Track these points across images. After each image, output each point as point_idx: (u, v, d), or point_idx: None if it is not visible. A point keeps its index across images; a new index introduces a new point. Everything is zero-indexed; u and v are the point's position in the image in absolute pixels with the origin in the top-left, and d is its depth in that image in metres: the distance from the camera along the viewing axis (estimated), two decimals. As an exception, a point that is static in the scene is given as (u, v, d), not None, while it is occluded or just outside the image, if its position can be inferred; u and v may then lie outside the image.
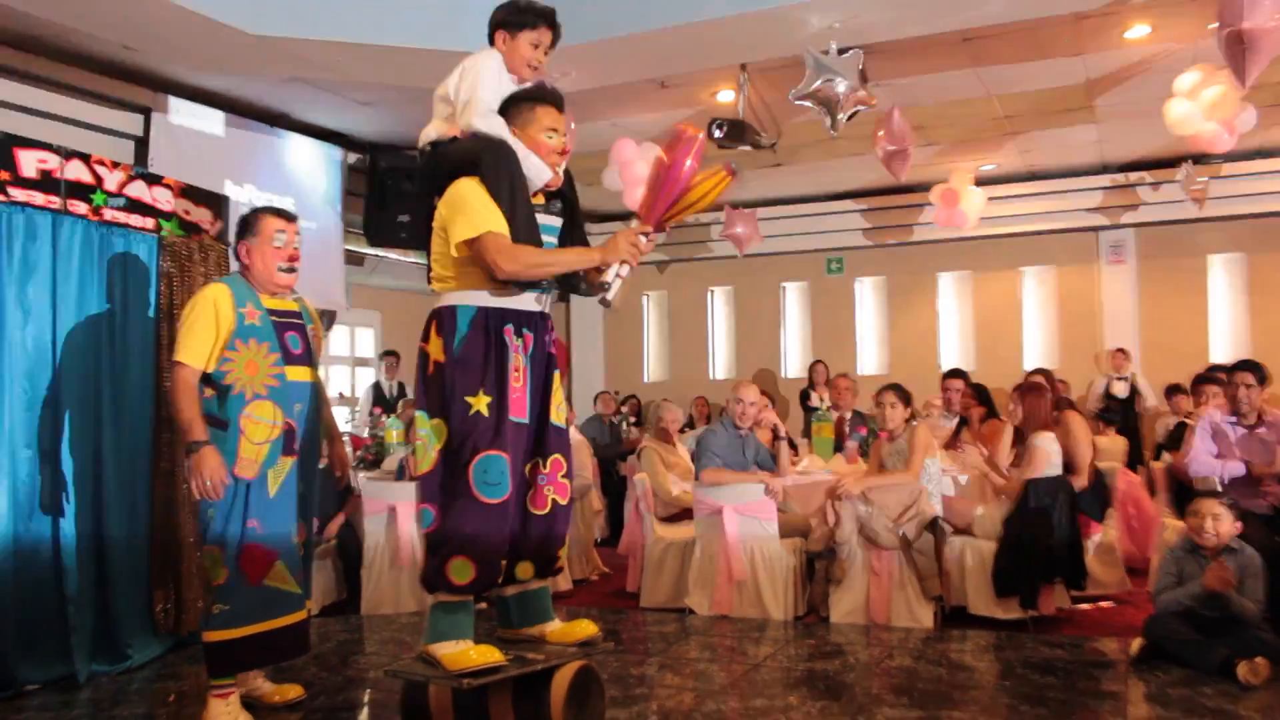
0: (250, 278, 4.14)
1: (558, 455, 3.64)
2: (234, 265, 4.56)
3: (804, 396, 10.90)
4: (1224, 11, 6.07)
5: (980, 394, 7.18)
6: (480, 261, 3.39)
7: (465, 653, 3.34)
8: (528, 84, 3.66)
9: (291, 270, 4.18)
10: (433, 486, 3.43)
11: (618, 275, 3.42)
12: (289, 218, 4.23)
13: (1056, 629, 5.62)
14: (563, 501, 3.66)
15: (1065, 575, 5.72)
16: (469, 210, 3.39)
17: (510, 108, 3.58)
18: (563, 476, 3.65)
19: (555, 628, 3.69)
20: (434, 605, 3.47)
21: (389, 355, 11.27)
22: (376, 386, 11.00)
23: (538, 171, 3.53)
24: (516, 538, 3.55)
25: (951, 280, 13.22)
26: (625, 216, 12.80)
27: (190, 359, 3.91)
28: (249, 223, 4.18)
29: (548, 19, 3.67)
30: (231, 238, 4.71)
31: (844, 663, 5.00)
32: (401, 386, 11.09)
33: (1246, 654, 4.44)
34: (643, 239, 3.41)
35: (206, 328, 3.93)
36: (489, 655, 3.35)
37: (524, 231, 3.41)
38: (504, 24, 3.65)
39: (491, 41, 3.67)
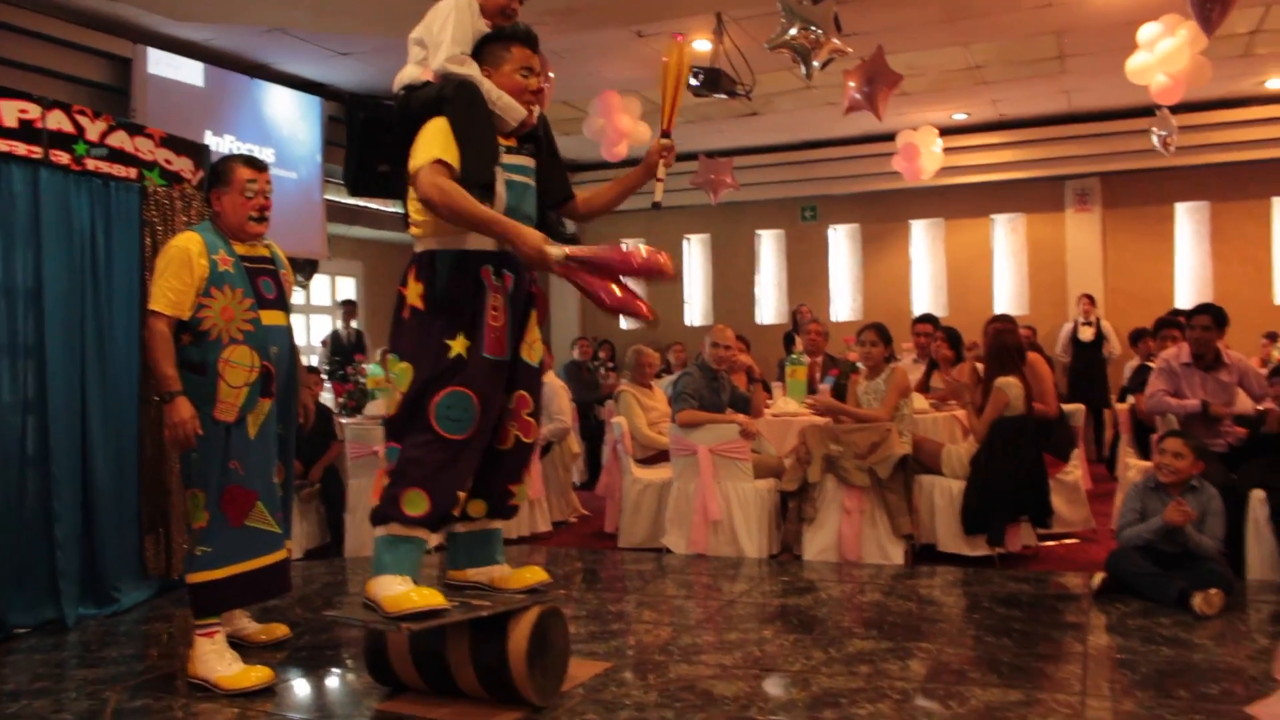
0: (222, 225, 4.17)
1: (524, 392, 3.68)
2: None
3: (788, 340, 11.03)
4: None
5: (951, 338, 7.32)
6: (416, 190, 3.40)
7: (406, 595, 3.28)
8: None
9: (262, 219, 4.20)
10: (398, 425, 3.46)
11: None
12: (259, 166, 4.25)
13: (1023, 565, 5.80)
14: (526, 439, 3.70)
15: (1031, 513, 5.89)
16: (423, 143, 3.42)
17: (483, 49, 3.59)
18: (528, 414, 3.69)
19: (504, 573, 3.71)
20: (381, 536, 3.43)
21: (347, 304, 11.32)
22: (335, 335, 11.04)
23: (510, 110, 3.54)
24: (475, 473, 3.58)
25: (923, 227, 13.37)
26: (602, 166, 12.85)
27: (166, 308, 3.94)
28: (220, 172, 4.20)
29: None
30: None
31: (816, 598, 5.16)
32: (359, 334, 11.16)
33: (1202, 586, 4.61)
34: (547, 265, 3.35)
35: (180, 276, 3.96)
36: (431, 599, 3.29)
37: (477, 168, 3.39)
38: None
39: None
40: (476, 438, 3.47)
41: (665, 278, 3.42)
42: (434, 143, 3.40)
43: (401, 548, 3.41)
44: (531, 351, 3.73)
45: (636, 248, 3.38)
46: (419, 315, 3.49)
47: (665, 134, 3.70)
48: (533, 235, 3.36)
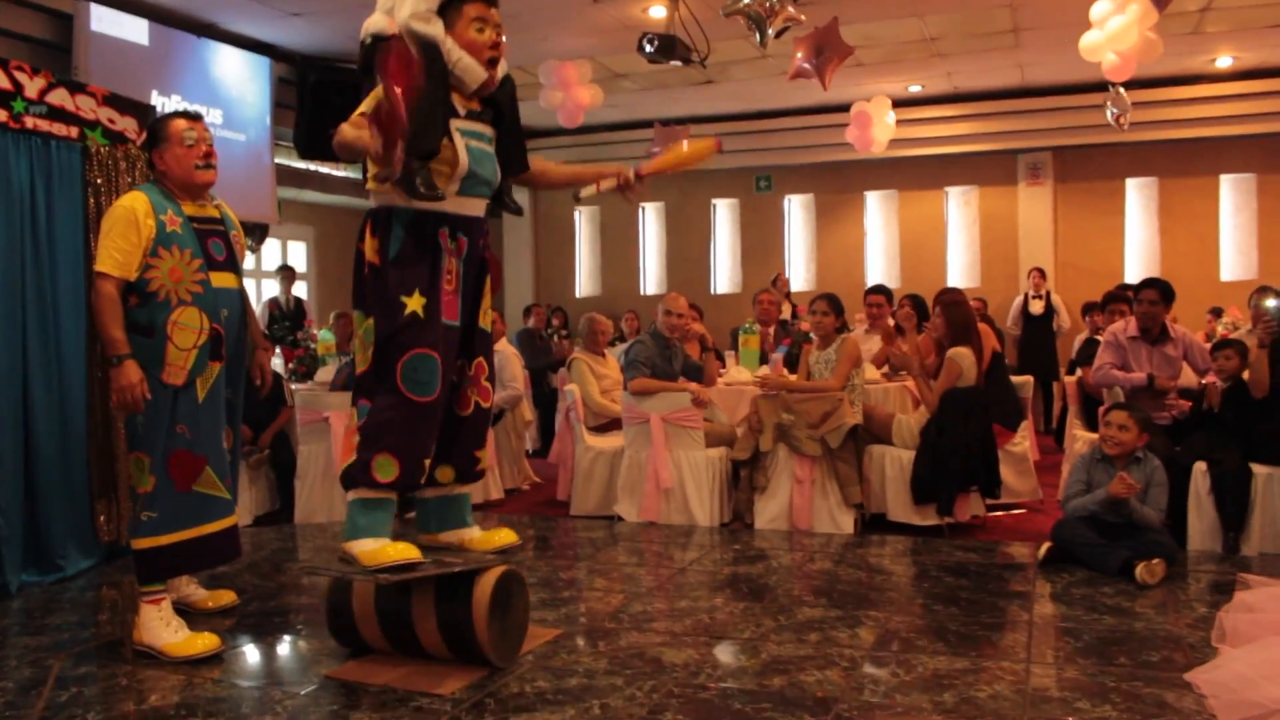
0: (169, 184, 4.06)
1: (481, 358, 3.73)
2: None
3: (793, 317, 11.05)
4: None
5: (918, 307, 7.38)
6: None
7: (383, 549, 3.39)
8: None
9: (209, 166, 4.09)
10: (368, 383, 3.49)
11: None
12: (195, 116, 4.16)
13: (971, 535, 5.87)
14: (484, 404, 3.75)
15: (980, 484, 5.96)
16: (369, 100, 3.38)
17: (443, 10, 3.54)
18: (486, 380, 3.74)
19: (475, 535, 3.77)
20: (353, 501, 3.50)
21: (285, 269, 11.19)
22: (273, 301, 10.92)
23: (470, 71, 3.51)
24: (440, 439, 3.62)
25: (878, 199, 13.43)
26: (555, 133, 12.75)
27: (113, 269, 3.84)
28: (156, 130, 4.11)
29: None
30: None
31: (767, 566, 5.20)
32: (299, 302, 11.05)
33: (1145, 556, 4.70)
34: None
35: (127, 237, 3.86)
36: (407, 552, 3.40)
37: (422, 138, 3.34)
38: None
39: None
40: (439, 400, 3.51)
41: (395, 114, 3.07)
42: (364, 102, 3.39)
43: (374, 511, 3.49)
44: (485, 317, 3.76)
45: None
46: (376, 270, 3.50)
47: (640, 177, 3.68)
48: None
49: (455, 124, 3.50)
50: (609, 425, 6.91)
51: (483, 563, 3.61)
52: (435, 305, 3.48)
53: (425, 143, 3.38)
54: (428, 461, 3.57)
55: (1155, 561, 4.68)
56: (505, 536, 3.76)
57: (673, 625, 4.17)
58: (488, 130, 3.65)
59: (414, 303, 3.45)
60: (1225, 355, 5.61)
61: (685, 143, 3.77)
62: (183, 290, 3.93)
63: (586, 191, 3.74)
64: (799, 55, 8.11)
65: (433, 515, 3.83)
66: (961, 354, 6.01)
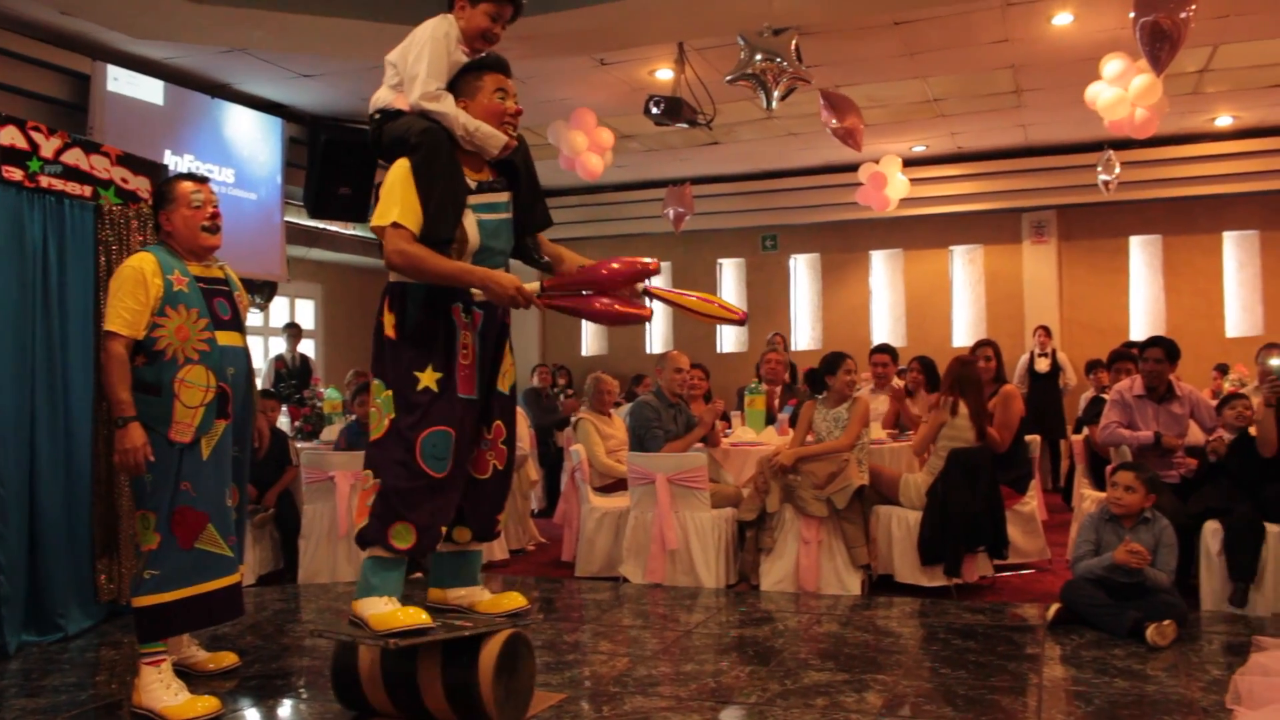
0: (175, 244, 4.11)
1: (499, 421, 3.73)
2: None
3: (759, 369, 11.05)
4: (1141, 1, 6.29)
5: (926, 369, 7.38)
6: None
7: (393, 614, 3.40)
8: (481, 55, 3.65)
9: (215, 229, 4.15)
10: (383, 454, 3.49)
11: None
12: (201, 179, 4.24)
13: (979, 596, 5.82)
14: (501, 467, 3.75)
15: (988, 544, 5.91)
16: (386, 196, 3.45)
17: (457, 80, 3.59)
18: (503, 443, 3.74)
19: (485, 598, 3.77)
20: (367, 559, 3.52)
21: (291, 327, 11.24)
22: (279, 358, 10.94)
23: (490, 139, 3.54)
24: (459, 503, 3.64)
25: (883, 258, 13.49)
26: (563, 192, 12.87)
27: (121, 328, 3.88)
28: (163, 193, 4.17)
29: None
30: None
31: (773, 629, 5.15)
32: (305, 359, 11.07)
33: (1155, 617, 4.65)
34: (525, 302, 3.41)
35: (135, 296, 3.90)
36: (416, 617, 3.41)
37: (439, 227, 3.42)
38: None
39: (450, 6, 3.64)
40: (456, 473, 3.54)
41: (648, 271, 3.45)
42: (394, 199, 3.43)
43: (386, 572, 3.51)
44: (505, 381, 3.78)
45: (608, 259, 3.44)
46: (393, 344, 3.53)
47: (648, 293, 3.69)
48: (506, 279, 3.41)
49: (470, 200, 3.54)
50: (614, 485, 6.88)
51: (493, 625, 3.61)
52: (450, 380, 3.52)
53: (442, 231, 3.44)
54: (444, 529, 3.61)
55: (1166, 623, 4.63)
56: (514, 600, 3.75)
57: (678, 689, 4.12)
58: (502, 198, 3.67)
59: (427, 378, 3.48)
60: (1244, 405, 5.60)
61: (717, 300, 3.74)
62: (189, 349, 3.96)
63: None
64: (827, 120, 8.29)
65: (446, 570, 3.83)
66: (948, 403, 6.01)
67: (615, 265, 3.42)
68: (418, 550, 3.50)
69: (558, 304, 3.46)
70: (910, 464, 6.43)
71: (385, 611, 3.42)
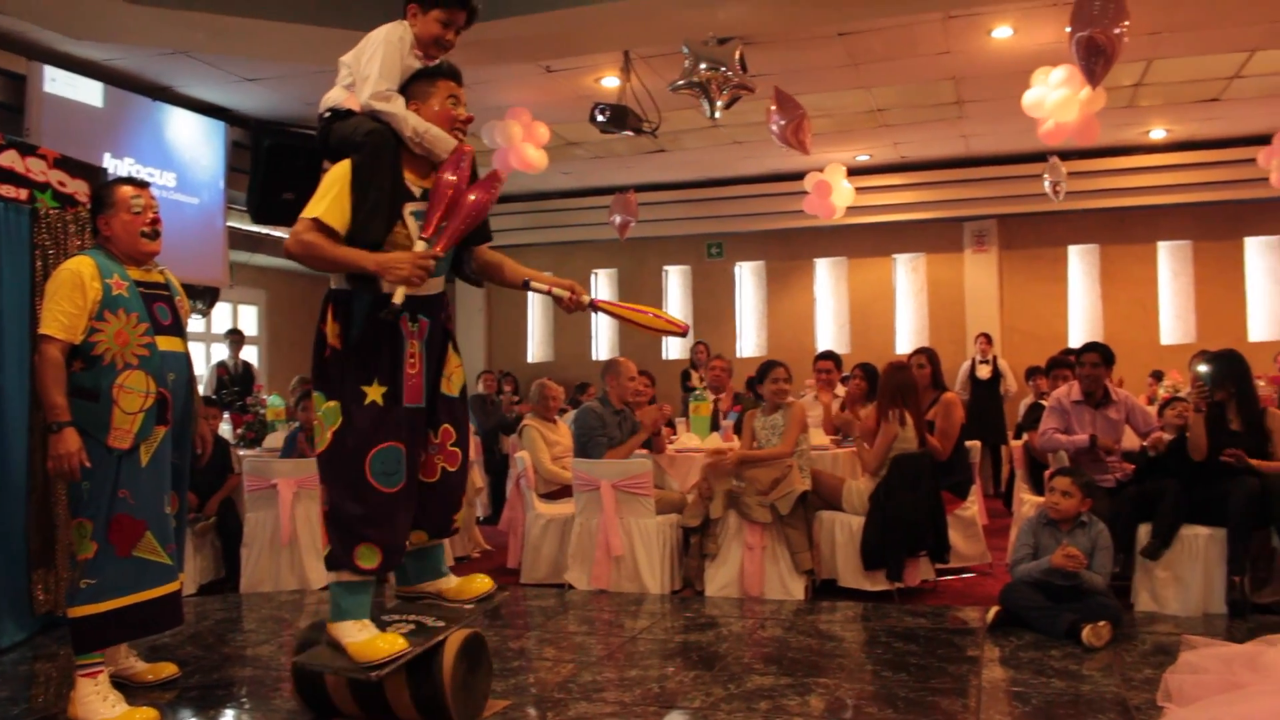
0: (114, 249, 4.05)
1: (447, 425, 3.71)
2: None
3: (684, 377, 11.11)
4: (1076, 17, 6.43)
5: (869, 377, 7.45)
6: None
7: (372, 643, 3.42)
8: (434, 63, 3.65)
9: (155, 235, 4.10)
10: (332, 469, 3.48)
11: (404, 292, 3.40)
12: (141, 184, 4.17)
13: (921, 599, 5.88)
14: (452, 469, 3.73)
15: (929, 548, 5.99)
16: (319, 191, 3.44)
17: (409, 86, 3.60)
18: (452, 445, 3.72)
19: (451, 584, 3.79)
20: (336, 583, 3.52)
21: (234, 334, 11.12)
22: (221, 365, 10.82)
23: (440, 141, 3.54)
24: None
25: (827, 266, 13.63)
26: (507, 199, 12.84)
27: (57, 332, 3.81)
28: (102, 197, 4.11)
29: (463, 1, 3.66)
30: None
31: (718, 634, 5.17)
32: (248, 366, 10.96)
33: (1091, 618, 4.75)
34: (432, 261, 3.41)
35: (72, 300, 3.83)
36: (394, 644, 3.43)
37: (368, 228, 3.40)
38: None
39: (404, 13, 3.65)
40: (409, 485, 3.54)
41: (463, 153, 3.53)
42: (326, 195, 3.42)
43: (356, 595, 3.53)
44: (451, 384, 3.75)
45: (452, 175, 3.49)
46: (337, 355, 3.50)
47: (593, 306, 3.73)
48: (399, 259, 3.36)
49: (410, 207, 3.52)
50: (560, 492, 6.88)
51: (461, 617, 3.67)
52: (397, 392, 3.50)
53: (372, 234, 3.40)
54: (408, 542, 3.62)
55: (1101, 624, 4.73)
56: (482, 584, 3.79)
57: (622, 695, 4.13)
58: None
59: (374, 392, 3.46)
60: (1184, 407, 5.73)
61: (656, 313, 3.79)
62: (129, 354, 3.89)
63: (537, 285, 3.76)
64: (773, 124, 8.33)
65: (410, 567, 3.82)
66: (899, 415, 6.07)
67: (450, 176, 3.46)
68: (384, 568, 3.51)
69: (447, 233, 3.45)
70: (853, 470, 6.49)
71: (363, 640, 3.43)
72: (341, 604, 3.51)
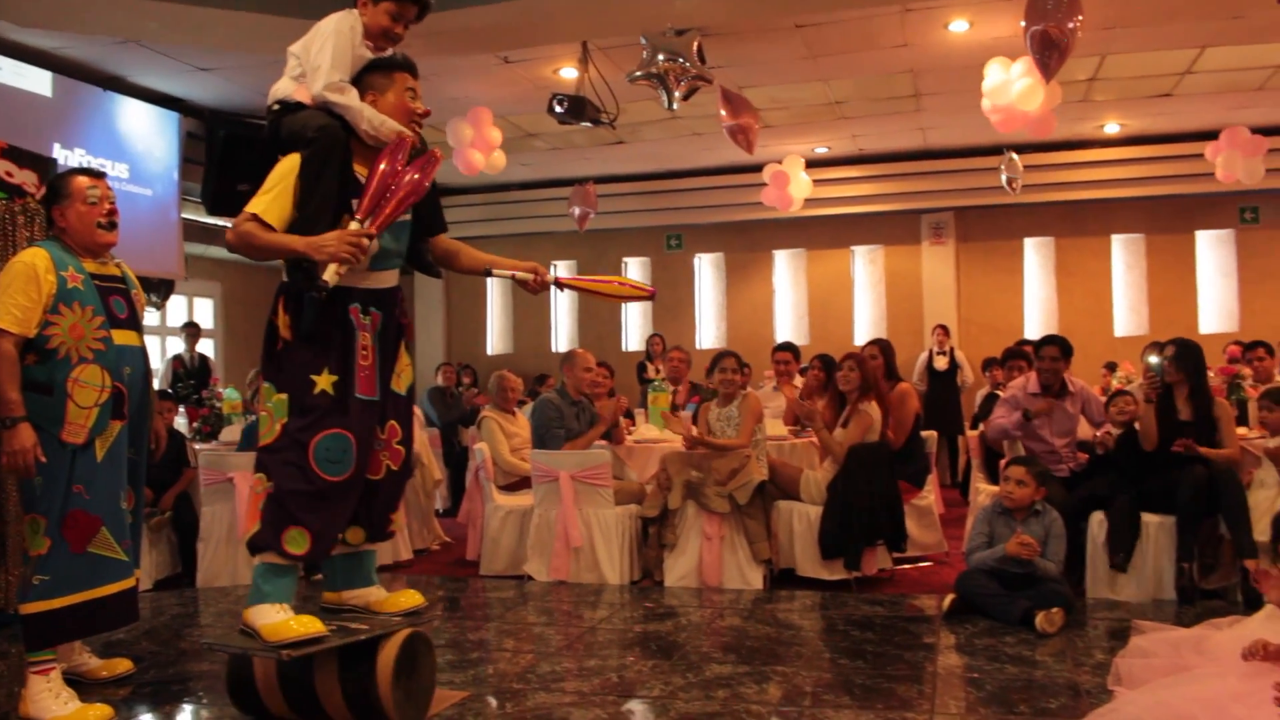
0: (69, 241, 3.99)
1: (393, 421, 3.67)
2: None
3: (640, 369, 11.13)
4: (1031, 11, 6.50)
5: (828, 368, 7.48)
6: None
7: (285, 623, 3.32)
8: (385, 54, 3.61)
9: (112, 226, 4.03)
10: (275, 459, 3.41)
11: (336, 271, 3.35)
12: (97, 174, 4.11)
13: (878, 588, 5.94)
14: (395, 467, 3.69)
15: (886, 538, 6.03)
16: (264, 186, 3.39)
17: (364, 77, 3.55)
18: (398, 443, 3.68)
19: (380, 596, 3.72)
20: (259, 565, 3.44)
21: (190, 326, 11.01)
22: (177, 358, 10.72)
23: (396, 135, 3.51)
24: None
25: (786, 257, 13.69)
26: (465, 190, 12.82)
27: (11, 325, 3.75)
28: (57, 187, 4.04)
29: None
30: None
31: (676, 624, 5.20)
32: (204, 359, 10.85)
33: (1044, 605, 4.82)
34: (365, 239, 3.35)
35: (26, 293, 3.77)
36: (310, 626, 3.34)
37: (313, 224, 3.35)
38: None
39: (354, 2, 3.60)
40: (355, 477, 3.47)
41: (406, 145, 3.46)
42: (270, 191, 3.38)
43: (279, 579, 3.43)
44: (400, 381, 3.71)
45: (389, 163, 3.42)
46: (288, 345, 3.47)
47: (558, 284, 3.72)
48: (326, 239, 3.31)
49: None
50: (519, 484, 6.86)
51: (389, 626, 3.57)
52: (348, 382, 3.46)
53: (318, 230, 3.35)
54: (344, 539, 3.57)
55: (1054, 610, 4.81)
56: (411, 598, 3.71)
57: (581, 685, 4.14)
58: None
59: (324, 381, 3.42)
60: (1125, 401, 5.81)
61: (620, 280, 3.80)
62: (84, 348, 3.84)
63: (500, 270, 3.73)
64: (723, 112, 8.33)
65: (339, 573, 3.76)
66: (872, 407, 6.12)
67: (383, 167, 3.40)
68: (312, 556, 3.43)
69: (381, 214, 3.38)
70: (811, 460, 6.54)
71: (278, 621, 3.32)
72: (264, 587, 3.41)
